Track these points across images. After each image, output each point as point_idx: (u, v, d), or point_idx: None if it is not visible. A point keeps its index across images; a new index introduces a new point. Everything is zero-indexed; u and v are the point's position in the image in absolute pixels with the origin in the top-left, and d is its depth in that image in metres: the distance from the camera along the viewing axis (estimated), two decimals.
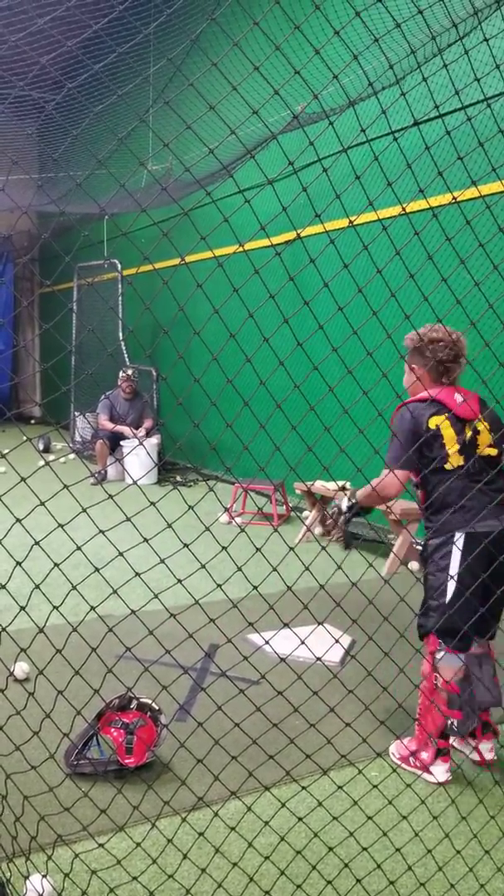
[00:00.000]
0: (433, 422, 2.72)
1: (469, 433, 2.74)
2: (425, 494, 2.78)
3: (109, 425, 9.11)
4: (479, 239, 2.22)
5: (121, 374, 9.16)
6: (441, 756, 2.78)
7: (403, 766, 2.86)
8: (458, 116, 5.20)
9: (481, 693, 2.78)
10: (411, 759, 2.86)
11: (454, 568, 2.64)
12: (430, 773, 2.79)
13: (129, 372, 9.10)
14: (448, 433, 2.71)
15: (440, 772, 2.78)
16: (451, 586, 2.63)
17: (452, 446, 2.70)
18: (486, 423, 2.75)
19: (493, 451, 2.76)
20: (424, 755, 2.81)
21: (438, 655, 2.72)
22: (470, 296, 2.73)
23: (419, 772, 2.81)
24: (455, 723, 2.77)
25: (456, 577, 2.60)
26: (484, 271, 2.36)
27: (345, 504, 3.02)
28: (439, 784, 2.76)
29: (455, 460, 2.69)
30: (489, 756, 2.89)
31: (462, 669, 2.76)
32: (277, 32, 2.04)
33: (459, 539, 2.65)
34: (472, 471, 2.68)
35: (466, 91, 4.98)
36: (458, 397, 2.76)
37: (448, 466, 2.69)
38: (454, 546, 2.65)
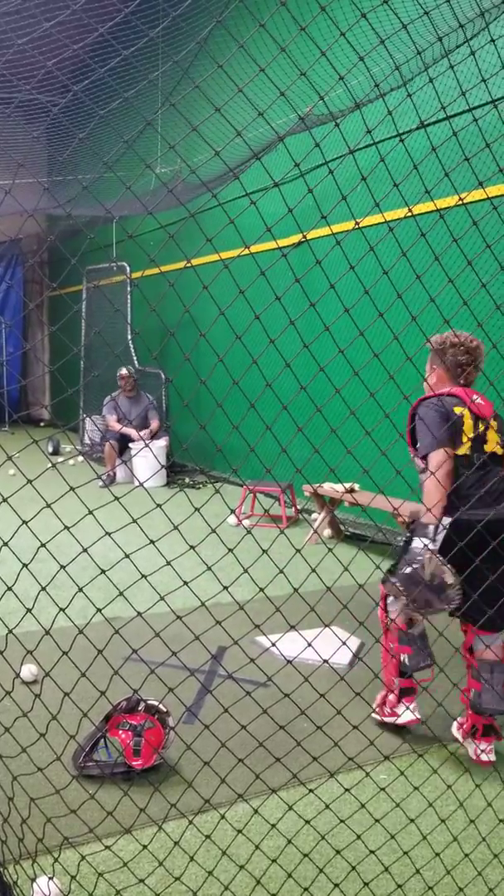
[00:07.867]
0: (458, 409, 2.90)
1: (482, 427, 2.90)
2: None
3: (118, 426, 9.14)
4: (487, 240, 2.21)
5: (118, 373, 9.15)
6: (405, 696, 3.00)
7: (381, 718, 3.09)
8: (464, 118, 5.19)
9: (489, 700, 2.87)
10: (385, 708, 3.07)
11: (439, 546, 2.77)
12: (396, 715, 3.00)
13: (124, 371, 9.09)
14: (468, 423, 2.89)
15: (407, 714, 2.98)
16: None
17: (469, 434, 2.88)
18: (494, 424, 2.92)
19: (500, 450, 2.91)
20: (391, 697, 3.04)
21: (389, 600, 2.96)
22: (477, 297, 2.72)
23: (391, 719, 3.04)
24: (406, 658, 2.93)
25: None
26: (491, 272, 2.35)
27: (428, 538, 2.82)
28: (405, 724, 3.01)
29: (463, 450, 2.87)
30: (485, 757, 2.92)
31: (407, 612, 2.92)
32: (284, 34, 2.04)
33: (447, 523, 2.77)
34: (476, 463, 2.82)
35: (473, 92, 4.96)
36: (475, 397, 2.96)
37: (459, 452, 2.86)
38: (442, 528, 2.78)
